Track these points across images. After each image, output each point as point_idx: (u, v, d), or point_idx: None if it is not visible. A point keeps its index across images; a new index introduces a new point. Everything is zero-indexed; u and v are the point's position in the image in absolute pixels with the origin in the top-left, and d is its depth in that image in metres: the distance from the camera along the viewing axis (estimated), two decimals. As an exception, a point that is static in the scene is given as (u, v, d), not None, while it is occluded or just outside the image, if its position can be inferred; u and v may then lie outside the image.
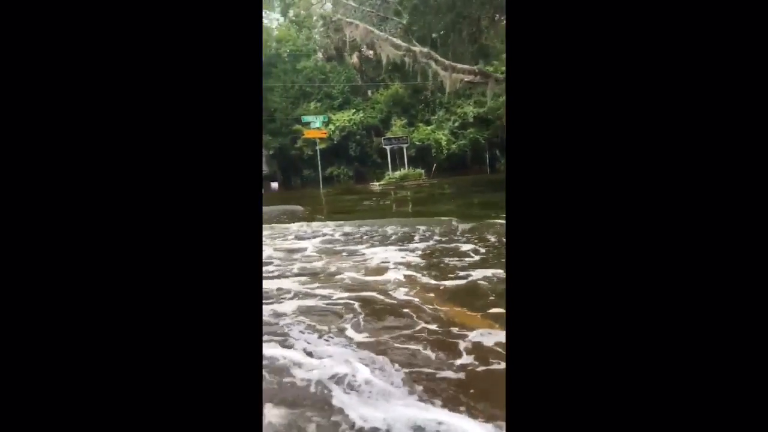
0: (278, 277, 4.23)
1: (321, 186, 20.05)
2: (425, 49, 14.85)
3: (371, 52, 24.71)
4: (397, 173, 19.21)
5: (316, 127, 17.26)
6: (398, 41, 16.25)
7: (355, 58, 24.20)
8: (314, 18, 26.17)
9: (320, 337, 2.65)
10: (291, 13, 26.43)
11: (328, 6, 25.11)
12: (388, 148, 19.43)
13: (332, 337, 2.63)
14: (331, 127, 22.98)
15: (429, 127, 21.90)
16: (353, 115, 23.18)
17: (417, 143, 21.88)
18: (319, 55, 25.15)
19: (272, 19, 27.45)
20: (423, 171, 20.23)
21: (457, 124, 22.33)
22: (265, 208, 9.38)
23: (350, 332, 2.70)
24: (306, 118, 16.14)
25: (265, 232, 7.00)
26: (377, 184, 16.94)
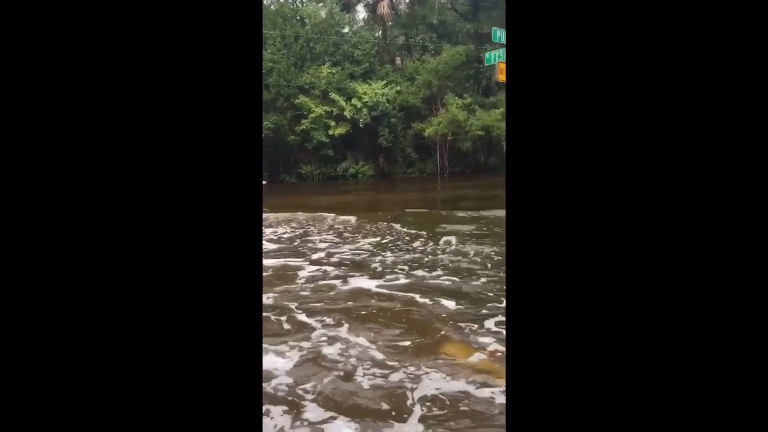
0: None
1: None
2: None
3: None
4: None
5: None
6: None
7: (385, 8, 17.09)
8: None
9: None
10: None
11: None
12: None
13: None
14: (356, 104, 15.76)
15: (498, 111, 15.39)
16: (385, 88, 16.12)
17: (478, 132, 15.29)
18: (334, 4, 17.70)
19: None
20: None
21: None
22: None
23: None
24: (496, 35, 7.71)
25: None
26: None
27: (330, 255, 5.37)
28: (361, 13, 19.23)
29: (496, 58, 7.38)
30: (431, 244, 5.66)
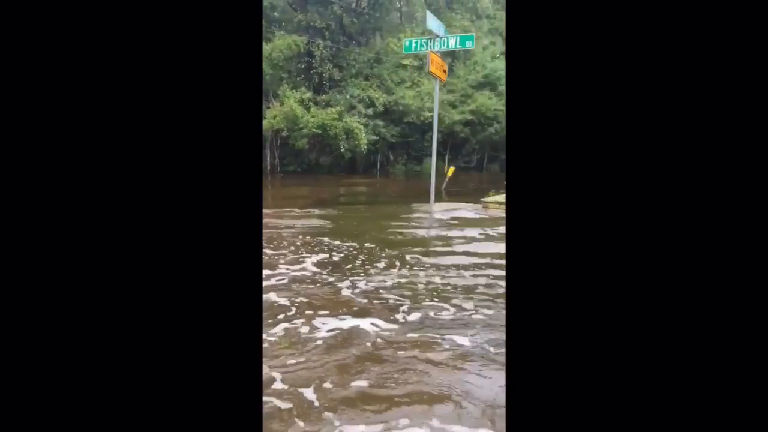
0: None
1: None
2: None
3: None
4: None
5: (439, 49, 6.20)
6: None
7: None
8: None
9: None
10: None
11: None
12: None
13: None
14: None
15: (335, 110, 14.86)
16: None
17: (315, 130, 14.53)
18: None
19: None
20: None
21: (371, 111, 15.98)
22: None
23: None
24: (429, 22, 6.11)
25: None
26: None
27: (265, 278, 3.95)
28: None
29: (420, 46, 6.54)
30: (396, 260, 4.65)
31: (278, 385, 2.23)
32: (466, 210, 7.95)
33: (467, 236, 5.94)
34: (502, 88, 20.38)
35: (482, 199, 8.29)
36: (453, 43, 6.21)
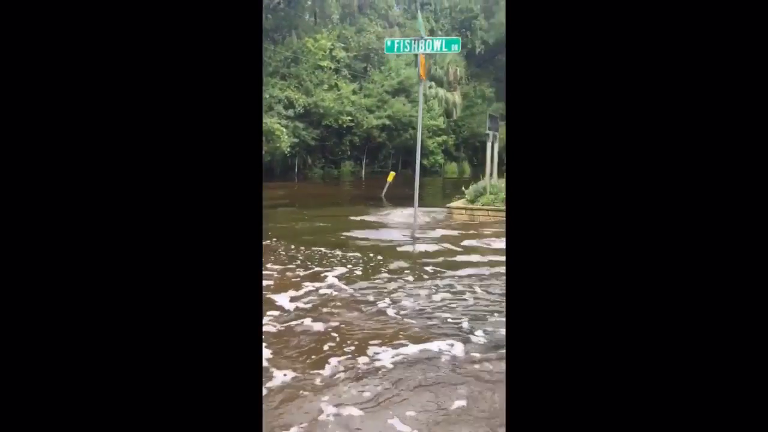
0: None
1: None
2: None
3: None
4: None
5: (424, 51, 5.71)
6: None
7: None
8: None
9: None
10: None
11: None
12: (491, 133, 8.28)
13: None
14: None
15: (255, 110, 13.88)
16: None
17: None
18: None
19: None
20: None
21: (291, 113, 15.20)
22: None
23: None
24: (420, 21, 6.02)
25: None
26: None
27: (295, 298, 3.43)
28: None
29: (404, 47, 6.12)
30: (420, 273, 4.29)
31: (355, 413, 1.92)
32: (434, 215, 7.89)
33: (466, 242, 5.85)
34: (416, 95, 20.92)
35: (448, 205, 8.31)
36: (438, 45, 6.04)
